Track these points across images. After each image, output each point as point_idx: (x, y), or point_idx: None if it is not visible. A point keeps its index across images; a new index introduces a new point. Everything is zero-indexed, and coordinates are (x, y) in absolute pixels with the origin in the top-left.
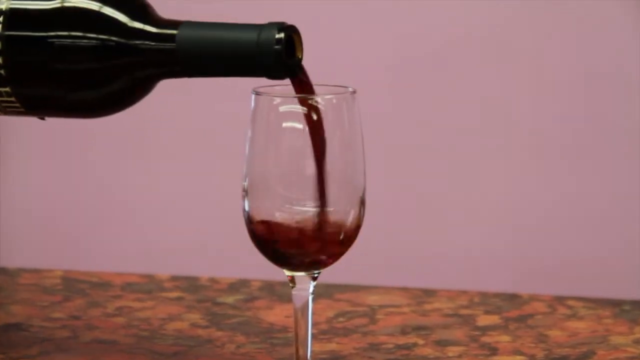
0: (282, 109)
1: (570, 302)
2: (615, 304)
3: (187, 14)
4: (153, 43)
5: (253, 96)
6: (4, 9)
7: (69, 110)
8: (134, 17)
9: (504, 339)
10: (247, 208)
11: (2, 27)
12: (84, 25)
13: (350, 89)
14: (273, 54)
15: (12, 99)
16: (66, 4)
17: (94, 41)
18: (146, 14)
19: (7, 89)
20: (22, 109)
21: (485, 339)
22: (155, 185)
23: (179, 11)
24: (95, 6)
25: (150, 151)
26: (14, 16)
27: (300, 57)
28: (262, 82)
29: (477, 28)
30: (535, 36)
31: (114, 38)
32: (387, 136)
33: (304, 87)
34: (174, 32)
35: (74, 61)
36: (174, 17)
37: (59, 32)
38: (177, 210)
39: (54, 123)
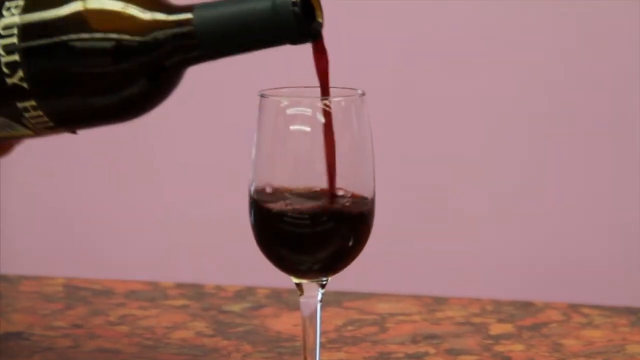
0: (289, 111)
1: (586, 310)
2: (632, 312)
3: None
4: (171, 31)
5: (259, 99)
6: (17, 22)
7: (98, 116)
8: (147, 9)
9: (517, 347)
10: (253, 213)
11: (18, 40)
12: (100, 26)
13: (360, 91)
14: (291, 17)
15: (39, 112)
16: (79, 8)
17: (112, 41)
18: (158, 4)
19: (32, 103)
20: (51, 123)
21: (498, 348)
22: (160, 191)
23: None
24: (107, 5)
25: (154, 157)
26: (28, 27)
27: (321, 21)
28: (269, 80)
29: (485, 29)
30: (544, 38)
31: (131, 34)
32: (397, 139)
33: (325, 52)
34: (190, 15)
35: (94, 64)
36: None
37: (75, 36)
38: (181, 216)
39: None
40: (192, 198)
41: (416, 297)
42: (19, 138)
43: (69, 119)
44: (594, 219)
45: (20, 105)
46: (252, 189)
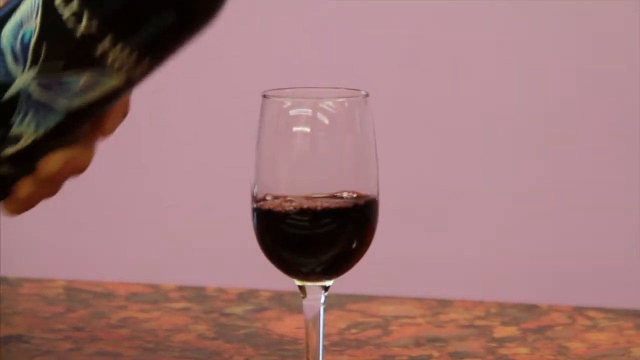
0: (292, 112)
1: (591, 313)
2: (638, 315)
3: None
4: None
5: (262, 99)
6: None
7: (175, 29)
8: None
9: (522, 351)
10: (256, 215)
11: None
12: None
13: (363, 92)
14: None
15: (119, 46)
16: None
17: None
18: None
19: (109, 39)
20: (135, 53)
21: (503, 351)
22: (161, 192)
23: None
24: None
25: (156, 158)
26: None
27: None
28: (272, 81)
29: (489, 30)
30: (549, 39)
31: None
32: (401, 140)
33: None
34: None
35: None
36: None
37: None
38: (183, 218)
39: None
40: (194, 200)
41: (420, 300)
42: (113, 96)
43: (152, 41)
44: (598, 221)
45: (99, 49)
46: (255, 190)
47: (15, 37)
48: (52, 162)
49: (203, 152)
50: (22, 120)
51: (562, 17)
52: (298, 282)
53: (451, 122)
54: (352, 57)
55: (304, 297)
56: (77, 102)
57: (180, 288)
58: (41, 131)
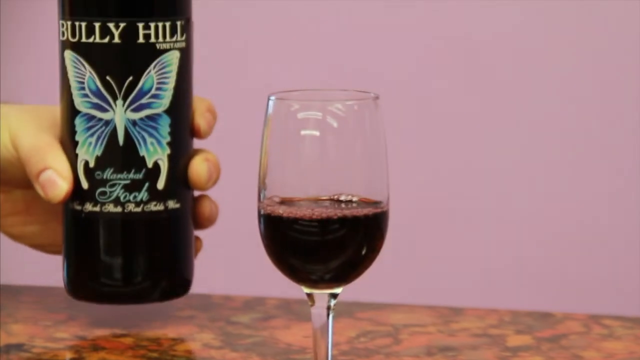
0: (300, 115)
1: (607, 321)
2: None
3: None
4: None
5: (269, 102)
6: None
7: None
8: None
9: None
10: (263, 221)
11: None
12: None
13: (373, 95)
14: None
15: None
16: None
17: None
18: None
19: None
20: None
21: None
22: None
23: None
24: None
25: None
26: None
27: None
28: (281, 85)
29: (502, 32)
30: (561, 42)
31: None
32: (412, 144)
33: None
34: None
35: None
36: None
37: None
38: None
39: None
40: None
41: (431, 308)
42: (184, 70)
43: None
44: (614, 228)
45: (140, 36)
46: (262, 195)
47: (85, 95)
48: (197, 167)
49: None
50: (146, 146)
51: (583, 20)
52: (306, 290)
53: (463, 126)
54: (361, 59)
55: (312, 305)
56: (166, 95)
57: (186, 296)
58: (165, 144)
